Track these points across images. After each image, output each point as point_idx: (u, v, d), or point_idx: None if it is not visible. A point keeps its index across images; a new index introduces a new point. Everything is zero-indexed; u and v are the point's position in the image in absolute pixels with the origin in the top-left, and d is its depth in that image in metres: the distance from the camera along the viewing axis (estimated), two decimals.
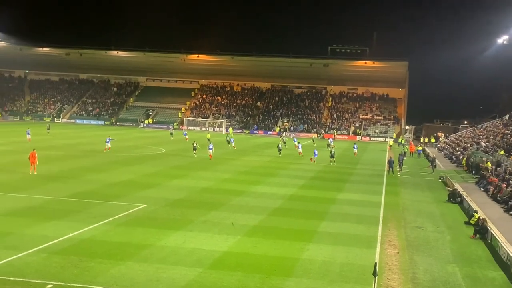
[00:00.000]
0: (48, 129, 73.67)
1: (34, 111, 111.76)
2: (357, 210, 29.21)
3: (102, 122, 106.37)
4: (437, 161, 54.01)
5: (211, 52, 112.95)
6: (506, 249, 20.63)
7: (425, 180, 44.42)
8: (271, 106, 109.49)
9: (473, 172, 47.50)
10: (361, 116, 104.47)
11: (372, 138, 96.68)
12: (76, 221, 23.27)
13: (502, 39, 79.37)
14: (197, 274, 17.44)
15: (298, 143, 61.30)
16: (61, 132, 77.13)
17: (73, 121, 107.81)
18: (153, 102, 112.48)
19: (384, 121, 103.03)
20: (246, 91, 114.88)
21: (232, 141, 64.13)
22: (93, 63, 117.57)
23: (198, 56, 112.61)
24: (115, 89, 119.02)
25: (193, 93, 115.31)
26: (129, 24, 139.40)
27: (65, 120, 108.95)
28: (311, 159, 51.12)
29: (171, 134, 75.94)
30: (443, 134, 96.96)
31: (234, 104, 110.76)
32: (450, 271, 19.38)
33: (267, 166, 47.58)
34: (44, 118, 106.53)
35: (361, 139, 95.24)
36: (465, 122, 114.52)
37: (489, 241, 23.24)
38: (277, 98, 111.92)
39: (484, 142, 61.72)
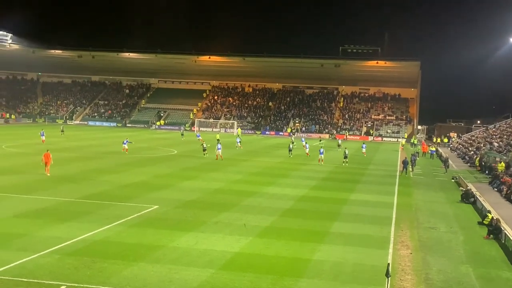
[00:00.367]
0: (62, 131, 74.23)
1: (46, 113, 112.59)
2: (369, 210, 29.07)
3: (114, 124, 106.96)
4: (450, 161, 53.68)
5: (222, 53, 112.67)
6: None
7: (438, 180, 44.15)
8: (283, 107, 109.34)
9: (486, 172, 47.17)
10: (373, 117, 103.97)
11: (384, 139, 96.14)
12: (89, 223, 23.40)
13: None
14: (209, 275, 17.46)
15: (306, 143, 61.11)
16: (74, 134, 77.69)
17: (86, 123, 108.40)
18: (165, 104, 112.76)
19: (396, 121, 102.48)
20: (257, 92, 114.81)
21: (238, 141, 64.22)
22: (105, 65, 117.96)
23: (209, 58, 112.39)
24: (127, 91, 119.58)
25: (204, 94, 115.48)
26: (140, 26, 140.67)
27: (78, 122, 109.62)
28: (319, 160, 50.64)
29: (182, 134, 77.54)
30: (455, 134, 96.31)
31: (246, 105, 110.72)
32: (464, 272, 19.24)
33: (279, 167, 47.55)
34: (57, 120, 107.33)
35: (373, 139, 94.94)
36: (478, 122, 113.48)
37: (503, 242, 23.02)
38: (288, 99, 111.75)
39: (497, 142, 61.26)
